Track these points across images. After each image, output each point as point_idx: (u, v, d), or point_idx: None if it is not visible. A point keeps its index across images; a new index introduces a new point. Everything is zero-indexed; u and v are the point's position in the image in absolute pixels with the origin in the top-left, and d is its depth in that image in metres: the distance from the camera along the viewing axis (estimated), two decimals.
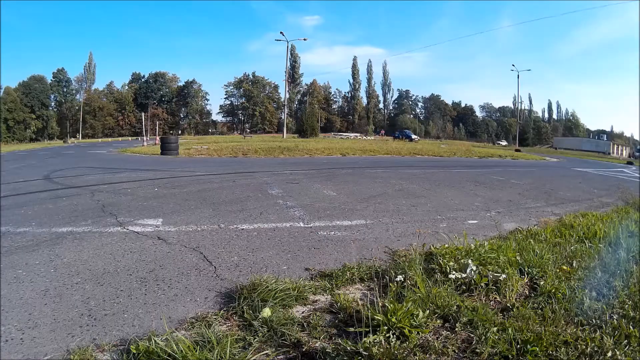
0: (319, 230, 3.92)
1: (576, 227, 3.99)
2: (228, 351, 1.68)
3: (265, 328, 1.90)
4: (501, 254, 2.82)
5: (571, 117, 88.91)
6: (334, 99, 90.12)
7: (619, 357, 1.67)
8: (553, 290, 2.29)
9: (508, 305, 2.18)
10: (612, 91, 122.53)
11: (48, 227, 3.83)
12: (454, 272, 2.44)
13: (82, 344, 1.81)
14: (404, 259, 2.85)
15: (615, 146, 54.98)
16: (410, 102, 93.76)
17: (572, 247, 3.21)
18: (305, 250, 3.31)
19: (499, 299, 2.29)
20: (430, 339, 1.82)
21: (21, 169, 10.48)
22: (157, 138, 28.19)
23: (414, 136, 49.30)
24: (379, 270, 2.67)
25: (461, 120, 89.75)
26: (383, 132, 72.55)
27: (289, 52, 51.41)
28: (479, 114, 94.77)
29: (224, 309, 2.17)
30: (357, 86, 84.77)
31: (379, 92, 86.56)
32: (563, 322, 1.95)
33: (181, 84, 78.07)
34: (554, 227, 4.00)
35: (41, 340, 1.84)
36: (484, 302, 2.23)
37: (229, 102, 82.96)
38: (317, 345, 1.78)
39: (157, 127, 47.28)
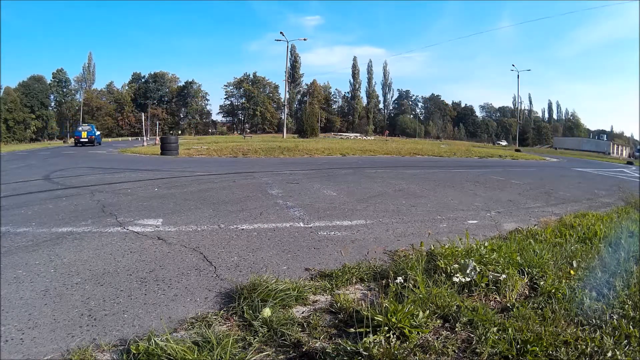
0: (319, 231, 3.92)
1: (576, 227, 3.99)
2: (228, 351, 1.68)
3: (265, 328, 1.90)
4: (501, 254, 2.82)
5: (571, 117, 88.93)
6: (334, 99, 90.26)
7: (619, 357, 1.67)
8: (553, 291, 2.29)
9: (508, 305, 2.18)
10: (612, 91, 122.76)
11: (48, 227, 3.83)
12: (455, 273, 2.43)
13: (82, 344, 1.80)
14: (404, 259, 2.85)
15: (615, 146, 54.93)
16: (410, 102, 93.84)
17: (572, 247, 3.21)
18: (305, 250, 3.30)
19: (499, 299, 2.29)
20: (430, 339, 1.82)
21: (21, 169, 10.47)
22: (157, 138, 28.18)
23: None
24: (379, 270, 2.67)
25: (461, 120, 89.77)
26: (387, 132, 72.51)
27: (289, 52, 51.59)
28: (479, 114, 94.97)
29: (224, 309, 2.16)
30: (357, 86, 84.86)
31: (379, 92, 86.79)
32: (563, 322, 1.95)
33: (181, 84, 78.13)
34: (554, 227, 4.00)
35: (41, 340, 1.84)
36: (484, 302, 2.23)
37: (229, 102, 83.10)
38: (317, 345, 1.77)
39: (157, 127, 47.29)
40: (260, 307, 2.07)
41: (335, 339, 1.84)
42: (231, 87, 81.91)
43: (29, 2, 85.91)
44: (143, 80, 76.01)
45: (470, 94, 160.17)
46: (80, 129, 29.72)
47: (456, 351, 1.75)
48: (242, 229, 3.90)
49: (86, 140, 27.88)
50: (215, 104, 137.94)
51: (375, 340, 1.73)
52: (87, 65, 69.69)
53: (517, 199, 6.41)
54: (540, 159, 22.72)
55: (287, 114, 61.65)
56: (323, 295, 2.37)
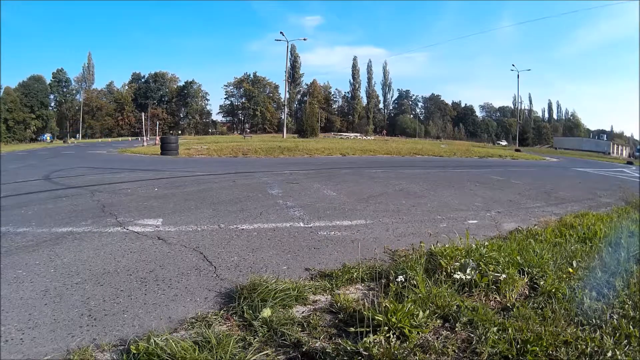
0: (319, 230, 3.92)
1: (576, 227, 3.98)
2: (228, 351, 1.68)
3: (265, 328, 1.90)
4: (501, 254, 2.81)
5: (571, 117, 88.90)
6: (334, 99, 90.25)
7: (619, 357, 1.67)
8: (553, 290, 2.29)
9: (508, 305, 2.18)
10: (612, 91, 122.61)
11: (48, 227, 3.83)
12: (456, 273, 2.43)
13: (82, 344, 1.80)
14: (404, 259, 2.85)
15: (615, 146, 54.87)
16: (410, 102, 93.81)
17: (572, 247, 3.21)
18: (305, 250, 3.30)
19: (499, 299, 2.29)
20: (430, 338, 1.82)
21: (21, 169, 10.47)
22: (157, 138, 28.22)
23: None
24: (379, 270, 2.67)
25: (461, 120, 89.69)
26: (385, 132, 72.60)
27: (289, 52, 51.58)
28: (479, 114, 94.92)
29: (224, 309, 2.16)
30: (357, 86, 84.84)
31: (379, 92, 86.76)
32: (563, 322, 1.95)
33: (181, 84, 78.16)
34: (554, 227, 4.00)
35: (41, 340, 1.84)
36: (484, 302, 2.23)
37: (229, 102, 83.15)
38: (317, 345, 1.77)
39: (157, 127, 47.34)
40: (260, 307, 2.07)
41: (335, 339, 1.84)
42: (231, 87, 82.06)
43: (29, 2, 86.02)
44: (143, 80, 76.04)
45: (470, 94, 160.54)
46: (47, 135, 53.45)
47: (456, 351, 1.75)
48: (242, 229, 3.90)
49: (49, 141, 47.33)
50: (215, 104, 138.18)
51: (375, 340, 1.73)
52: (86, 65, 69.75)
53: (517, 198, 6.41)
54: (540, 159, 22.73)
55: (287, 114, 61.63)
56: (323, 295, 2.37)
